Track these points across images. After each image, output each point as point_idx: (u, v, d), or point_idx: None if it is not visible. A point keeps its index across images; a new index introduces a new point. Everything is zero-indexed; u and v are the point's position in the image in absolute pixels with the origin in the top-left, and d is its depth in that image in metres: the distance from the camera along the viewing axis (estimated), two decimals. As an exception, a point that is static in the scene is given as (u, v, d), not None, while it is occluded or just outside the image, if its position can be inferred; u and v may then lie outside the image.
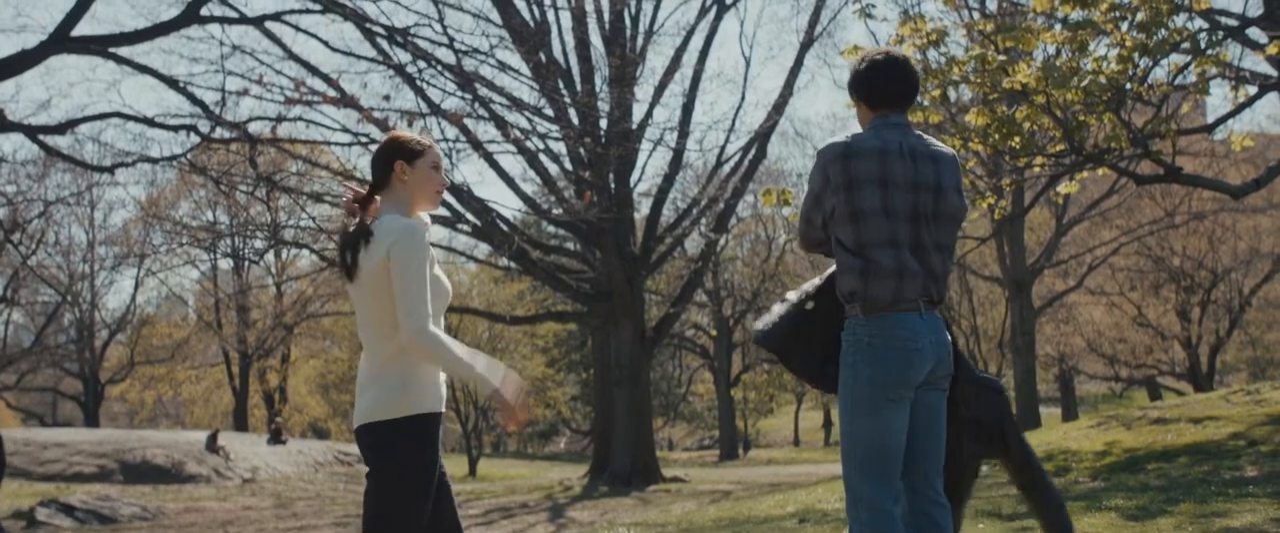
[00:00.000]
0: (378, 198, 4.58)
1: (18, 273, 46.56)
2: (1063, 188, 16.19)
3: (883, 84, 4.61)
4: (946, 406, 4.70)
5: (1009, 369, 44.60)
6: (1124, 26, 11.82)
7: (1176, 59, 13.21)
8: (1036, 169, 15.08)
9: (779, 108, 31.26)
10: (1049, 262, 39.99)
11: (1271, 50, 12.10)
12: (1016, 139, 13.01)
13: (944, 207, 4.51)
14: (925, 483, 4.55)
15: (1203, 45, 12.05)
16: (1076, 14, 12.05)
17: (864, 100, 4.67)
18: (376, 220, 4.45)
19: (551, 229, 45.48)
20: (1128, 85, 12.16)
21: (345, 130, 23.65)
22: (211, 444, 32.83)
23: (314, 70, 24.18)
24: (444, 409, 4.62)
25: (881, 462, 4.37)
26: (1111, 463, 12.87)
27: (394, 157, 4.57)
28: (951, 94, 14.78)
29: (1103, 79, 11.85)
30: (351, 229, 4.47)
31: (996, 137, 12.90)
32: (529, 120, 26.40)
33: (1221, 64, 12.55)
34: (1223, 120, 15.80)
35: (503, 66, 24.53)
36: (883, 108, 4.61)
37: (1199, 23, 13.43)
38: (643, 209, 34.74)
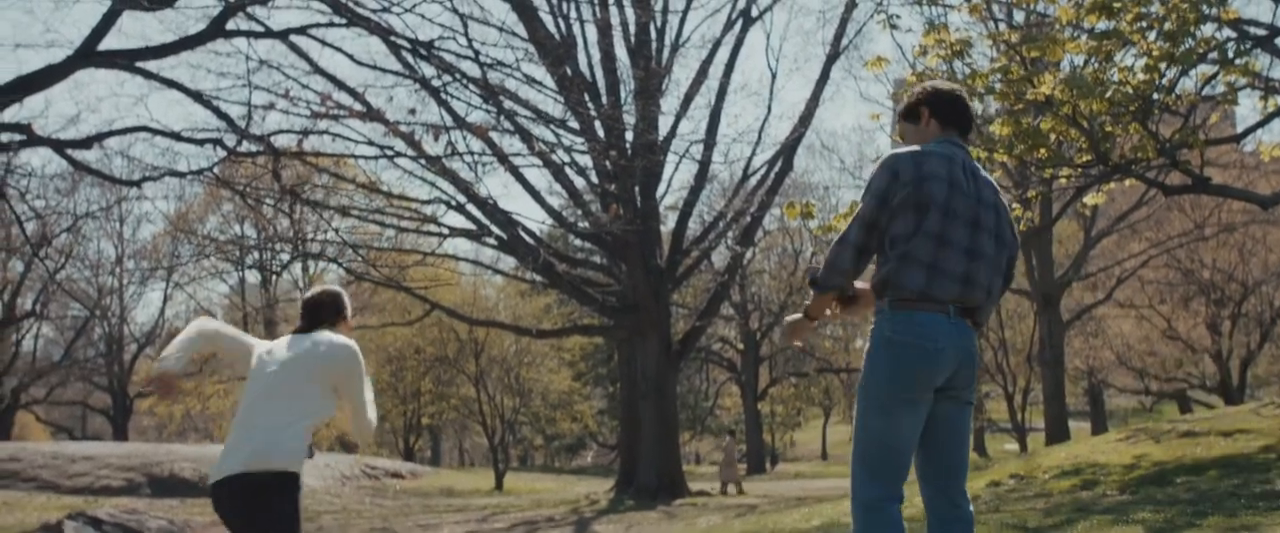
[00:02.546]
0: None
1: (47, 287, 46.88)
2: (1090, 199, 16.08)
3: (961, 110, 4.87)
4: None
5: (1038, 383, 44.37)
6: (1150, 36, 11.72)
7: (1204, 69, 13.10)
8: (1063, 180, 15.00)
9: (805, 120, 31.18)
10: (1078, 274, 39.76)
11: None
12: (1043, 150, 12.94)
13: (1003, 228, 4.64)
14: (949, 496, 4.51)
15: (1231, 55, 11.97)
16: (1102, 24, 11.97)
17: (939, 116, 4.80)
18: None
19: (578, 243, 45.50)
20: (1155, 95, 12.06)
21: (371, 143, 23.70)
22: (238, 458, 32.80)
23: (340, 84, 24.24)
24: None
25: (887, 462, 4.36)
26: (1140, 476, 12.75)
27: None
28: (976, 106, 14.70)
29: (1129, 89, 11.77)
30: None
31: (1022, 148, 12.83)
32: (554, 133, 26.43)
33: (1250, 73, 12.45)
34: (1251, 130, 15.64)
35: (528, 80, 24.57)
36: (951, 129, 4.78)
37: (1227, 32, 13.31)
38: (669, 222, 34.70)
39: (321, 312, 5.95)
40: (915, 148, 4.57)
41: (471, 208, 27.78)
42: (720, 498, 28.00)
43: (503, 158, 23.98)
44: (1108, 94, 11.52)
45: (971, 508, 4.59)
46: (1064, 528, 8.75)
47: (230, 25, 17.73)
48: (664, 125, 30.03)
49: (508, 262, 38.91)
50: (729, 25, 31.14)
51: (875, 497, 4.30)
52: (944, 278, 4.36)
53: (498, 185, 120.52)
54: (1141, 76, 11.89)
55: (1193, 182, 13.00)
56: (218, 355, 5.92)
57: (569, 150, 26.69)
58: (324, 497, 31.27)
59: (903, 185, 4.42)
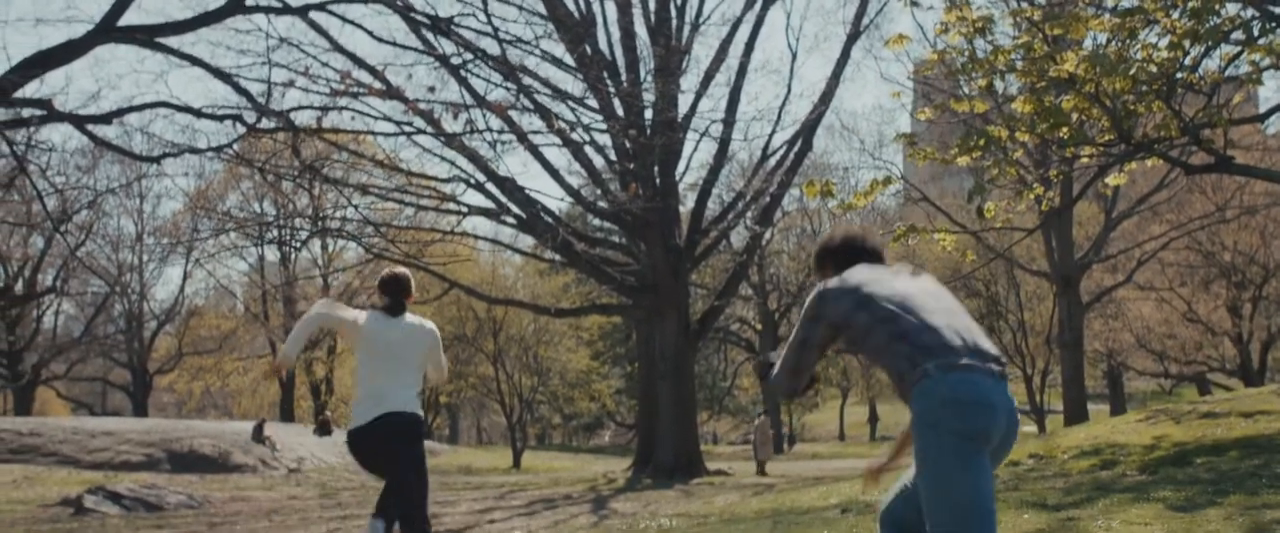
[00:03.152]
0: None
1: (67, 263, 47.04)
2: (1111, 179, 15.98)
3: (857, 248, 4.95)
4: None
5: (1056, 365, 44.25)
6: (1174, 14, 11.63)
7: (1227, 49, 13.00)
8: (1085, 160, 14.91)
9: (825, 99, 31.07)
10: (1097, 256, 39.59)
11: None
12: (1065, 129, 12.86)
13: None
14: None
15: (1255, 34, 11.87)
16: (1126, 1, 11.88)
17: (836, 266, 4.83)
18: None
19: (596, 222, 45.47)
20: (1178, 74, 11.98)
21: (390, 120, 23.69)
22: (258, 435, 33.01)
23: (360, 62, 24.24)
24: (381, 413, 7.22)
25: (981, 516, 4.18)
26: (1160, 457, 12.70)
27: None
28: (998, 84, 14.61)
29: (1152, 67, 11.69)
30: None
31: (1044, 126, 12.75)
32: (573, 112, 26.39)
33: (1274, 53, 12.34)
34: (1275, 110, 15.54)
35: (550, 58, 24.54)
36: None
37: (1251, 11, 13.22)
38: (688, 202, 34.64)
39: (403, 290, 7.60)
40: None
41: (490, 186, 27.79)
42: (738, 478, 28.00)
43: (522, 136, 23.98)
44: (1131, 72, 11.43)
45: None
46: (1084, 506, 8.72)
47: (250, 1, 17.71)
48: (683, 104, 29.97)
49: (526, 240, 38.93)
50: (749, 4, 31.05)
51: None
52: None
53: (517, 164, 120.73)
54: (1165, 54, 11.80)
55: (1216, 161, 12.90)
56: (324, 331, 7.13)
57: (588, 129, 26.66)
58: (343, 474, 31.38)
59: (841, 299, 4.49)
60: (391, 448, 7.11)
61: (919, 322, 4.32)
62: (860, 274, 4.57)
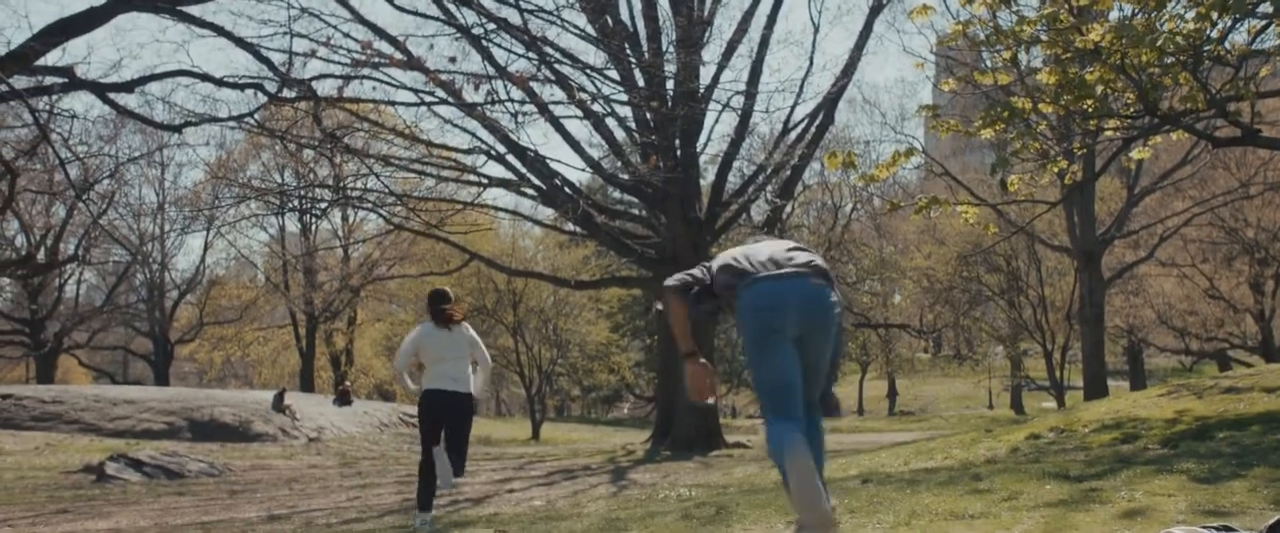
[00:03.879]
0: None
1: (89, 232, 47.20)
2: (1136, 153, 15.90)
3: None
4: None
5: (1077, 341, 44.14)
6: (1202, -15, 11.54)
7: (1256, 21, 12.88)
8: (1109, 133, 14.81)
9: (848, 71, 30.90)
10: (1119, 232, 39.43)
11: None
12: (1089, 102, 12.77)
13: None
14: None
15: (1283, 5, 11.76)
16: (1153, -29, 11.78)
17: None
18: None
19: (617, 194, 45.41)
20: (1205, 46, 11.88)
21: (409, 89, 23.66)
22: (278, 404, 33.14)
23: (381, 32, 24.20)
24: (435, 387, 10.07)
25: None
26: (1182, 431, 12.64)
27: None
28: (1022, 57, 14.51)
29: (1179, 39, 11.59)
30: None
31: (1069, 98, 12.67)
32: (594, 84, 26.31)
33: (1303, 26, 12.25)
34: (1302, 84, 15.43)
35: (572, 29, 24.45)
36: None
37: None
38: (709, 175, 34.57)
39: (447, 303, 10.26)
40: None
41: (511, 158, 27.76)
42: (757, 450, 27.99)
43: (543, 107, 23.89)
44: (1158, 43, 11.34)
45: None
46: (1106, 478, 8.68)
47: (272, -30, 17.71)
48: (705, 76, 29.87)
49: (546, 212, 38.92)
50: (772, -25, 30.90)
51: None
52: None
53: (537, 136, 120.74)
54: (1192, 26, 11.71)
55: (1243, 134, 12.81)
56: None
57: (609, 100, 26.56)
58: (362, 443, 31.50)
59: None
60: (445, 411, 10.04)
61: (748, 263, 5.77)
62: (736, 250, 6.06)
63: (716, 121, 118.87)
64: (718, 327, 38.51)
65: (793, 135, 31.82)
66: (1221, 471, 8.59)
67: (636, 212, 34.30)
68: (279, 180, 47.44)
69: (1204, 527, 5.57)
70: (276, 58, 18.40)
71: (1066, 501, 7.68)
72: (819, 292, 5.59)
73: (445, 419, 9.98)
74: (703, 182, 33.24)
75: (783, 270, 5.60)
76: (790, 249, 5.85)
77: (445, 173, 29.83)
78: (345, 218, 55.57)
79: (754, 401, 76.82)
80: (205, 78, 17.91)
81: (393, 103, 24.52)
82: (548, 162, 28.12)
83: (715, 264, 5.96)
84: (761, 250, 5.84)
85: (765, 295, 5.54)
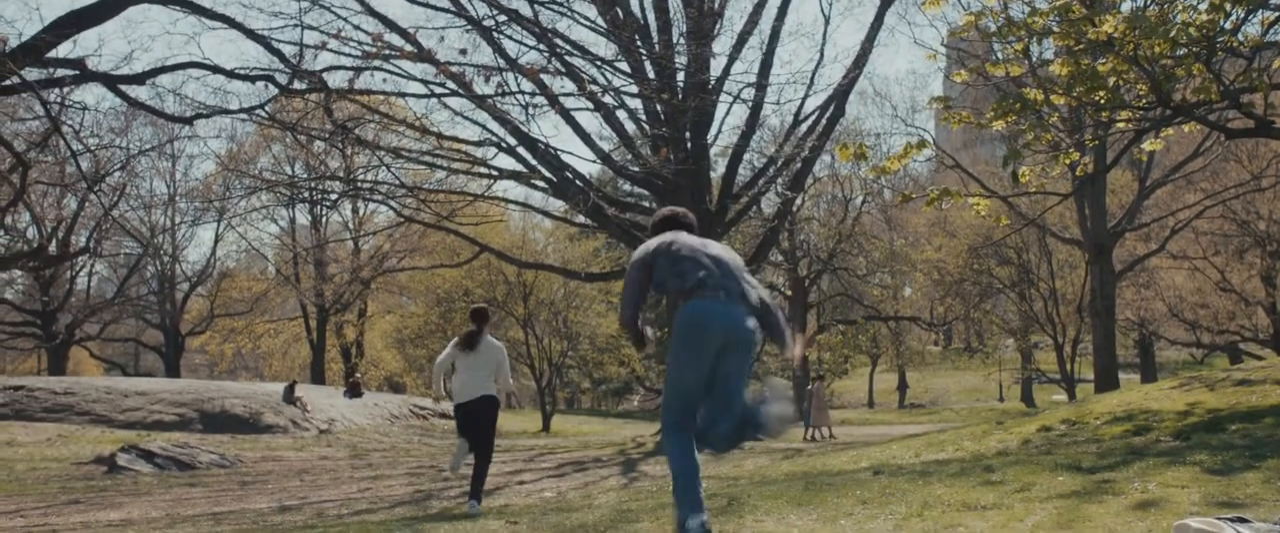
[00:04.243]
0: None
1: (100, 224, 47.26)
2: (1148, 145, 15.84)
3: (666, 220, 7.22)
4: None
5: (1088, 334, 44.04)
6: (1216, -25, 11.50)
7: (1269, 13, 12.85)
8: (1122, 124, 14.78)
9: (858, 64, 30.81)
10: (1131, 225, 39.33)
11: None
12: (1102, 93, 12.74)
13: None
14: None
15: (1298, -4, 11.72)
16: (1166, -38, 11.74)
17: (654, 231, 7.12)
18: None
19: (627, 186, 45.38)
20: (1219, 37, 11.84)
21: (419, 81, 23.67)
22: (289, 396, 33.20)
23: (391, 25, 24.20)
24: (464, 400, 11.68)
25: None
26: (1194, 423, 12.61)
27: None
28: (1033, 48, 14.47)
29: (1192, 30, 11.56)
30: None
31: (1081, 89, 12.64)
32: (604, 75, 26.28)
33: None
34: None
35: (583, 21, 24.42)
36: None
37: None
38: (719, 167, 34.51)
39: (484, 319, 12.04)
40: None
41: (522, 150, 27.75)
42: (767, 443, 27.95)
43: (553, 99, 23.90)
44: (1171, 34, 11.31)
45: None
46: (1119, 469, 8.66)
47: (283, -39, 17.71)
48: (716, 68, 29.80)
49: (557, 205, 38.94)
50: (783, -33, 30.81)
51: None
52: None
53: (548, 128, 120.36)
54: (1205, 17, 11.67)
55: (1256, 125, 12.77)
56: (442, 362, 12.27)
57: (620, 93, 26.54)
58: (373, 435, 31.54)
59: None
60: (473, 416, 11.67)
61: (673, 264, 6.50)
62: (665, 238, 6.75)
63: (727, 114, 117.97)
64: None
65: (803, 128, 31.76)
66: (1234, 462, 8.57)
67: (647, 204, 34.28)
68: (290, 172, 47.47)
69: (1218, 518, 5.55)
70: (287, 50, 18.35)
71: (1079, 492, 7.66)
72: (744, 321, 6.37)
73: (470, 424, 11.71)
74: (713, 174, 33.19)
75: (716, 292, 6.36)
76: (717, 261, 6.58)
77: (456, 165, 29.84)
78: (356, 210, 55.64)
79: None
80: (216, 70, 17.94)
81: (403, 95, 24.56)
82: (558, 154, 28.09)
83: (653, 248, 6.68)
84: (697, 259, 6.54)
85: (700, 317, 6.28)
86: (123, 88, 17.80)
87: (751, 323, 6.42)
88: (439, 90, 23.16)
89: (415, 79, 23.88)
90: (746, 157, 35.89)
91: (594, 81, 24.99)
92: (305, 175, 43.21)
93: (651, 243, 6.75)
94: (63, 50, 16.67)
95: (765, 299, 6.72)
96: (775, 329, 6.73)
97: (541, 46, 23.06)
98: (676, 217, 7.24)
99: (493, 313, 43.58)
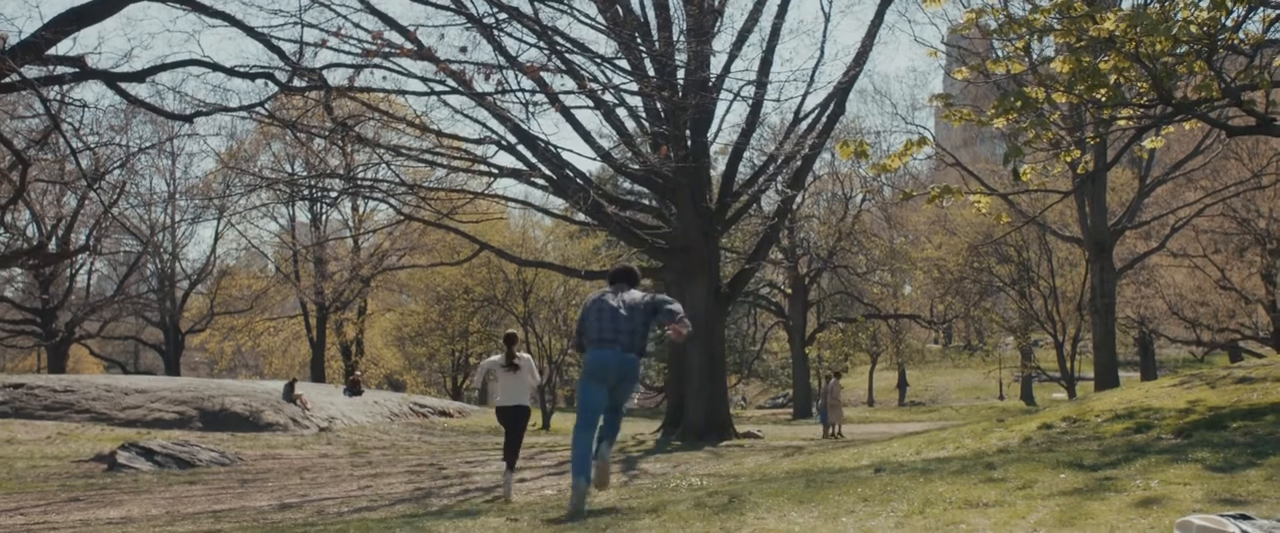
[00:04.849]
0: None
1: (100, 222, 47.25)
2: (1149, 142, 15.83)
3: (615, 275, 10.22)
4: None
5: (1088, 332, 44.05)
6: (1217, -28, 11.47)
7: (1270, 11, 12.83)
8: (1123, 122, 14.77)
9: (859, 61, 30.76)
10: (1131, 222, 39.32)
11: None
12: (1103, 91, 12.72)
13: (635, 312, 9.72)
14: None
15: (1299, -7, 11.69)
16: (1168, -41, 11.72)
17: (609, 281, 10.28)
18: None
19: (627, 184, 45.35)
20: (1220, 34, 11.82)
21: (419, 79, 23.63)
22: (289, 394, 33.19)
23: (391, 22, 24.16)
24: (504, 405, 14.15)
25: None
26: (1195, 420, 12.60)
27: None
28: (1035, 46, 14.46)
29: (1193, 27, 11.54)
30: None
31: (1083, 86, 12.62)
32: (604, 72, 26.25)
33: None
34: (1318, 73, 15.32)
35: (583, 18, 24.39)
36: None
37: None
38: (719, 165, 34.47)
39: (515, 342, 14.33)
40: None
41: (522, 148, 27.73)
42: (768, 440, 27.99)
43: (553, 97, 23.87)
44: (1172, 31, 11.29)
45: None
46: (1121, 466, 8.64)
47: (283, -42, 17.68)
48: (716, 65, 29.76)
49: (557, 202, 38.91)
50: (783, -35, 30.76)
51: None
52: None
53: (548, 126, 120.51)
54: (1206, 14, 11.65)
55: (1258, 123, 12.75)
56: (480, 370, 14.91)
57: (620, 90, 26.51)
58: (373, 433, 31.53)
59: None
60: (511, 420, 14.04)
61: (595, 322, 9.52)
62: (597, 297, 9.79)
63: (727, 111, 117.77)
64: (727, 317, 38.58)
65: (804, 125, 31.71)
66: (1236, 460, 8.56)
67: (647, 202, 34.27)
68: (289, 170, 47.42)
69: (1221, 515, 5.54)
70: (287, 47, 18.32)
71: (1081, 489, 7.65)
72: (628, 360, 9.46)
73: (509, 422, 14.21)
74: (713, 172, 33.15)
75: (612, 344, 9.43)
76: (620, 317, 9.57)
77: (456, 163, 29.81)
78: (356, 208, 55.62)
79: (764, 392, 76.87)
80: (216, 67, 17.92)
81: (403, 93, 24.53)
82: (558, 151, 28.06)
83: (589, 305, 9.85)
84: (602, 315, 9.61)
85: (596, 361, 9.43)
86: (122, 85, 17.77)
87: (634, 360, 9.52)
88: (439, 88, 23.15)
89: (415, 77, 23.82)
90: (747, 154, 35.83)
91: (594, 79, 24.97)
92: (305, 173, 43.21)
93: (590, 298, 9.92)
94: (62, 48, 16.67)
95: (675, 310, 9.56)
96: (673, 319, 9.47)
97: (541, 44, 23.04)
98: (619, 273, 10.23)
99: (492, 311, 43.77)
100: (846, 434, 31.38)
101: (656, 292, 11.07)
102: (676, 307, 9.62)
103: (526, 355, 14.59)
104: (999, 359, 68.20)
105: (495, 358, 14.47)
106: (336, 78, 19.80)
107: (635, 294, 9.82)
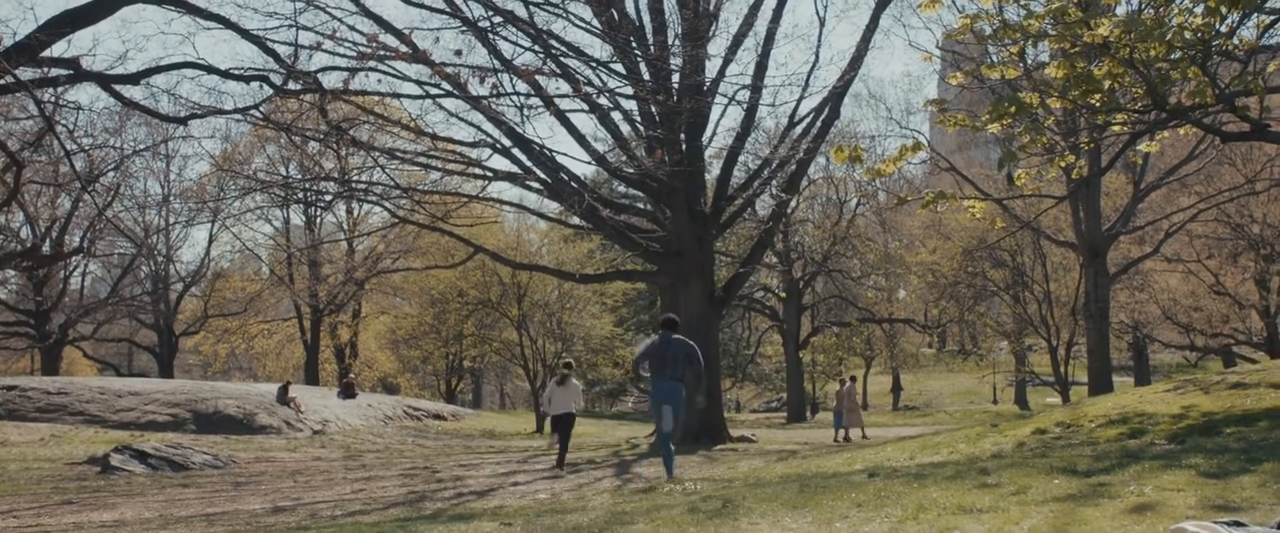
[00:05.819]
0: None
1: (94, 224, 47.21)
2: (1144, 147, 15.84)
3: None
4: None
5: (1081, 337, 44.08)
6: (1211, -22, 11.48)
7: (1264, 17, 12.85)
8: (1117, 127, 14.78)
9: (854, 66, 30.79)
10: (1125, 227, 39.36)
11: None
12: (1097, 96, 12.73)
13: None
14: None
15: (1293, 0, 11.71)
16: (1162, -35, 11.74)
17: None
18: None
19: (622, 188, 45.35)
20: (1214, 40, 11.84)
21: (414, 82, 23.64)
22: (283, 397, 33.16)
23: (386, 25, 24.15)
24: (555, 413, 20.48)
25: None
26: (1189, 426, 12.61)
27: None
28: (1029, 51, 14.46)
29: (1187, 33, 11.55)
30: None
31: (1077, 92, 12.63)
32: (599, 76, 26.24)
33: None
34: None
35: (578, 22, 24.38)
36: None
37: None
38: (714, 169, 34.52)
39: (570, 370, 20.69)
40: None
41: (516, 152, 27.73)
42: (761, 444, 27.99)
43: (548, 101, 23.85)
44: (1166, 37, 11.30)
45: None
46: (1114, 472, 8.65)
47: (278, -39, 17.65)
48: (711, 69, 29.79)
49: (552, 206, 38.90)
50: (779, -32, 30.77)
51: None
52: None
53: (543, 129, 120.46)
54: (1200, 20, 11.66)
55: (1251, 128, 12.77)
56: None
57: (614, 94, 26.50)
58: (367, 436, 31.50)
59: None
60: (563, 425, 19.71)
61: (658, 359, 14.74)
62: (656, 340, 15.06)
63: (722, 116, 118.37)
64: (722, 321, 38.54)
65: (798, 130, 31.76)
66: (1230, 466, 8.56)
67: (642, 205, 34.26)
68: (284, 173, 47.40)
69: (1215, 522, 5.54)
70: (282, 50, 18.29)
71: (1075, 495, 7.66)
72: (677, 387, 14.67)
73: (561, 425, 20.19)
74: (708, 176, 33.19)
75: (666, 376, 14.62)
76: (670, 357, 14.69)
77: (451, 166, 29.81)
78: (350, 211, 55.61)
79: (758, 395, 76.86)
80: (211, 70, 17.90)
81: (398, 96, 24.56)
82: (553, 155, 28.08)
83: (643, 348, 15.21)
84: (661, 357, 14.71)
85: (658, 389, 14.71)
86: (117, 87, 17.75)
87: (679, 387, 14.76)
88: (434, 91, 23.15)
89: (410, 80, 23.88)
90: (741, 158, 35.86)
91: (589, 83, 24.93)
92: (300, 176, 43.17)
93: (649, 341, 15.21)
94: (57, 50, 16.64)
95: (697, 358, 14.92)
96: (697, 369, 15.01)
97: (537, 48, 23.04)
98: (670, 321, 15.36)
99: (486, 315, 43.87)
100: (835, 437, 31.34)
101: (689, 338, 15.59)
102: (699, 359, 15.03)
103: (575, 381, 20.63)
104: (993, 364, 68.25)
105: (553, 381, 20.99)
106: (331, 81, 19.77)
107: (679, 338, 15.04)
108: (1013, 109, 13.03)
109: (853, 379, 34.72)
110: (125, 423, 29.67)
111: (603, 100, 26.83)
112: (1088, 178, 33.54)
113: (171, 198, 54.34)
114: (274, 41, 18.41)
